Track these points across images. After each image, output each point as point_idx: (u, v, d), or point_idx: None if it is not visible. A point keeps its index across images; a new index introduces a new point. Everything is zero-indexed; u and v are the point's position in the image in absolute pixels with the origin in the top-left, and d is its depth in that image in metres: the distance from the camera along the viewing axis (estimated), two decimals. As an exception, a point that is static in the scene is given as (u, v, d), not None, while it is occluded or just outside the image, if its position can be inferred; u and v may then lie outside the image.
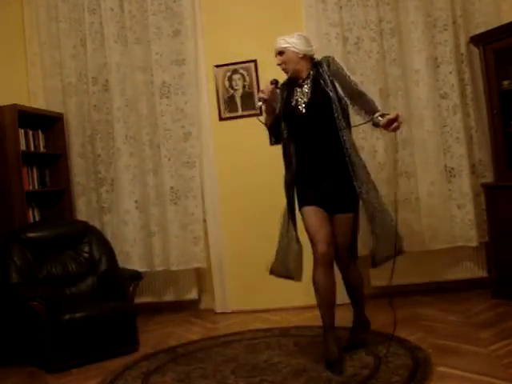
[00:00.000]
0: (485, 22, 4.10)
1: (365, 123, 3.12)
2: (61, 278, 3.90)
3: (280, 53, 3.13)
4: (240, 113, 4.53)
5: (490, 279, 4.06)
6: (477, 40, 4.01)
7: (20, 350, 3.60)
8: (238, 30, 4.52)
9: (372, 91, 4.21)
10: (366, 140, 4.27)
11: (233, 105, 4.54)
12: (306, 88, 3.07)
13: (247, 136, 4.49)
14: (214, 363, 3.18)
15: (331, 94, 2.97)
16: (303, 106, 3.04)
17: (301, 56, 3.07)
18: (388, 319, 3.74)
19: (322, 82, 3.02)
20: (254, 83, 4.50)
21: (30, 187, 4.30)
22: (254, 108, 4.50)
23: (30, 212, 4.32)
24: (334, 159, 3.00)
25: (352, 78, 3.07)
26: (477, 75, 4.15)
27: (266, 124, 3.16)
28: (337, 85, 3.00)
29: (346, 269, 3.15)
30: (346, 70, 3.09)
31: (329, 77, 3.02)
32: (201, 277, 4.67)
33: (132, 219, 4.53)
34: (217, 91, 4.55)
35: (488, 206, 4.00)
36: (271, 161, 4.45)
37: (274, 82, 3.06)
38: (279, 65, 3.12)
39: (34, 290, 3.53)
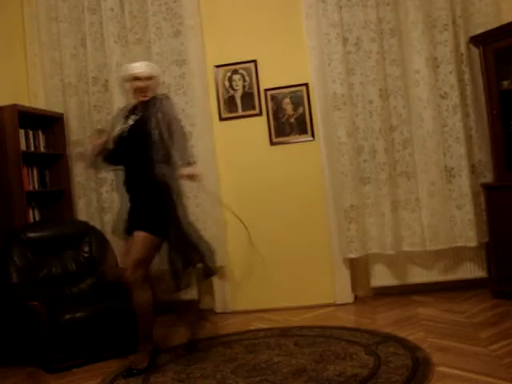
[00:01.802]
0: (485, 22, 4.10)
1: None
2: (61, 278, 3.90)
3: (149, 77, 3.25)
4: (240, 113, 4.53)
5: (490, 279, 4.06)
6: (477, 40, 4.01)
7: (20, 350, 3.60)
8: (238, 30, 4.52)
9: (372, 91, 4.24)
10: (366, 140, 4.28)
11: (233, 105, 4.55)
12: (137, 115, 3.24)
13: (247, 136, 4.49)
14: (214, 363, 3.18)
15: (148, 130, 3.15)
16: (126, 133, 3.24)
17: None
18: (388, 319, 3.75)
19: (151, 114, 3.18)
20: (254, 83, 4.50)
21: (30, 187, 4.30)
22: (253, 108, 4.51)
23: (30, 212, 4.31)
24: (138, 182, 3.22)
25: (178, 125, 3.26)
26: (477, 75, 4.15)
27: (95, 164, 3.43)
28: (162, 124, 3.16)
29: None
30: (176, 115, 3.32)
31: (158, 113, 3.17)
32: (200, 277, 4.65)
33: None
34: (217, 91, 4.55)
35: (488, 206, 4.00)
36: (271, 161, 4.49)
37: (99, 132, 3.42)
38: (140, 88, 3.23)
39: (34, 290, 3.54)
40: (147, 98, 3.25)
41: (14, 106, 4.08)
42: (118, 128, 3.27)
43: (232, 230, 4.47)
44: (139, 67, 3.25)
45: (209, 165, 4.50)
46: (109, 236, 4.43)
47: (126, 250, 3.21)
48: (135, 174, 3.23)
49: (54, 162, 4.59)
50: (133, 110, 3.29)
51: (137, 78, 3.22)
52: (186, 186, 4.47)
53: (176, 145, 3.17)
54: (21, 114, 4.13)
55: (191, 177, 3.18)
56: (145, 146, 3.15)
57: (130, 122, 3.24)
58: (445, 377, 2.61)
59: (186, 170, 3.14)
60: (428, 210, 4.20)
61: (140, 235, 3.14)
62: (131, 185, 3.25)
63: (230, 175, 4.49)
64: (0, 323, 3.65)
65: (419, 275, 4.32)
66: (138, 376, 3.07)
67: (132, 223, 3.21)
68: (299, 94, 4.44)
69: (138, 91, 3.24)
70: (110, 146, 3.28)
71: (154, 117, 3.15)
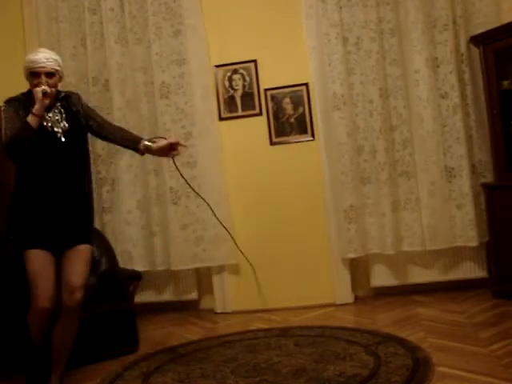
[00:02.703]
0: (485, 22, 4.10)
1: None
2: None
3: (49, 74, 2.73)
4: (240, 113, 4.53)
5: (490, 279, 4.06)
6: (477, 40, 4.01)
7: (20, 351, 3.59)
8: (238, 29, 4.52)
9: (372, 91, 4.24)
10: (366, 140, 4.28)
11: (233, 105, 4.54)
12: (56, 114, 2.81)
13: (247, 136, 4.49)
14: (214, 363, 3.18)
15: (84, 125, 2.89)
16: (61, 132, 2.78)
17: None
18: (388, 319, 3.75)
19: (75, 111, 2.87)
20: (254, 83, 4.50)
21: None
22: (253, 108, 4.51)
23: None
24: (77, 191, 2.84)
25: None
26: (477, 75, 4.15)
27: (31, 127, 2.63)
28: (83, 117, 2.89)
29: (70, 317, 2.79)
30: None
31: (80, 108, 2.90)
32: (201, 277, 4.67)
33: (134, 219, 4.54)
34: (217, 91, 4.55)
35: (488, 206, 4.00)
36: (271, 161, 4.49)
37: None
38: (41, 89, 2.64)
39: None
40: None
41: (13, 106, 4.07)
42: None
43: (233, 230, 4.47)
44: (37, 58, 2.72)
45: (208, 165, 4.50)
46: (109, 236, 4.46)
47: (45, 271, 2.69)
48: (71, 181, 2.81)
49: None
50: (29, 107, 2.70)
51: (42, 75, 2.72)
52: (186, 187, 4.50)
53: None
54: (21, 113, 4.12)
55: (175, 145, 2.87)
56: (82, 150, 2.91)
57: (53, 122, 2.79)
58: (445, 377, 2.61)
59: (172, 138, 2.89)
60: (428, 209, 4.19)
61: (87, 248, 2.82)
62: (61, 193, 2.76)
63: (230, 175, 4.49)
64: (0, 323, 3.64)
65: (419, 275, 4.32)
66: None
67: (66, 237, 2.77)
68: (299, 94, 4.44)
69: (41, 93, 2.66)
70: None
71: (78, 115, 2.88)
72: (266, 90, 4.47)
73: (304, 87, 4.43)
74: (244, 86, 4.53)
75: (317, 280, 4.38)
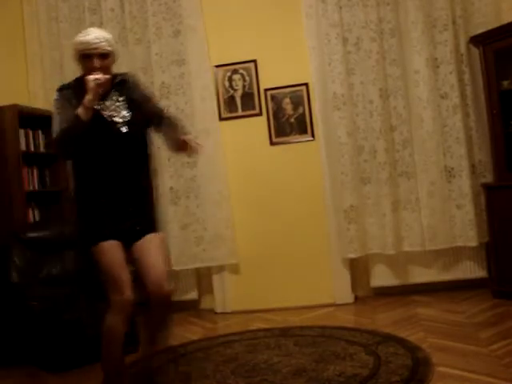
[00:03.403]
0: (485, 22, 4.10)
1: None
2: (61, 278, 3.89)
3: (102, 55, 2.50)
4: (240, 113, 4.53)
5: (490, 279, 4.06)
6: (477, 40, 4.01)
7: (20, 350, 3.59)
8: (238, 29, 4.52)
9: (372, 91, 4.24)
10: (366, 140, 4.28)
11: (233, 105, 4.54)
12: (114, 102, 2.56)
13: (247, 136, 4.49)
14: (214, 363, 3.18)
15: (150, 115, 2.64)
16: (121, 122, 2.53)
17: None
18: (388, 319, 3.75)
19: (135, 98, 2.61)
20: (254, 83, 4.50)
21: (30, 187, 4.30)
22: (253, 108, 4.51)
23: (30, 212, 4.32)
24: (139, 181, 2.63)
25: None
26: (477, 75, 4.15)
27: (83, 120, 2.42)
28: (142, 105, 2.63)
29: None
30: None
31: (138, 93, 2.64)
32: (201, 277, 4.67)
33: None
34: (217, 91, 4.55)
35: (488, 206, 4.00)
36: (271, 161, 4.49)
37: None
38: (96, 69, 2.46)
39: (34, 290, 3.54)
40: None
41: (14, 106, 4.08)
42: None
43: (233, 230, 4.48)
44: (90, 39, 2.50)
45: (208, 165, 4.50)
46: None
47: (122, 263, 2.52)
48: (132, 171, 2.60)
49: (53, 161, 4.58)
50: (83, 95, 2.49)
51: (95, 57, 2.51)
52: (186, 187, 4.51)
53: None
54: (21, 114, 4.13)
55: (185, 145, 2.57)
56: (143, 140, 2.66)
57: (112, 111, 2.56)
58: (445, 377, 2.61)
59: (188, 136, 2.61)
60: (428, 209, 4.20)
61: (158, 237, 2.62)
62: (122, 184, 2.57)
63: (230, 175, 4.49)
64: (0, 323, 3.64)
65: (419, 275, 4.32)
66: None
67: (132, 227, 2.57)
68: (299, 94, 4.44)
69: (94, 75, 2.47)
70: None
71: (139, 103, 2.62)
72: (265, 90, 4.47)
73: (304, 87, 4.43)
74: (244, 86, 4.53)
75: (317, 280, 4.38)
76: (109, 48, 2.51)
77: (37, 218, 4.39)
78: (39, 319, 3.38)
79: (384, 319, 3.78)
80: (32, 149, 4.36)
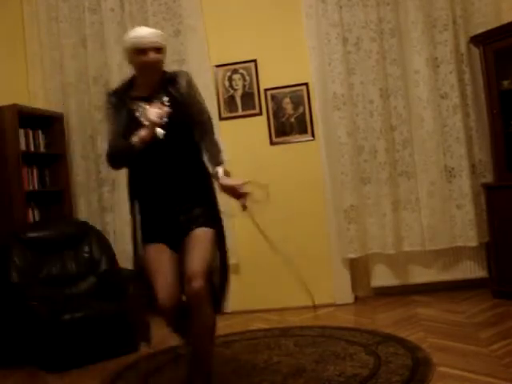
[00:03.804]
0: (485, 22, 4.10)
1: None
2: (61, 278, 3.89)
3: (158, 49, 2.48)
4: (240, 113, 4.53)
5: (490, 279, 4.06)
6: (477, 40, 4.01)
7: (20, 350, 3.59)
8: (238, 29, 4.52)
9: (372, 91, 4.24)
10: (366, 140, 4.28)
11: (233, 105, 4.54)
12: (157, 103, 2.49)
13: (247, 136, 4.49)
14: (214, 363, 3.17)
15: (195, 118, 2.56)
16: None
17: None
18: (388, 319, 3.75)
19: (180, 100, 2.52)
20: (254, 83, 4.50)
21: (30, 187, 4.30)
22: (253, 108, 4.50)
23: (30, 212, 4.32)
24: (186, 180, 2.55)
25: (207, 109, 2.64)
26: (477, 75, 4.15)
27: (135, 151, 2.45)
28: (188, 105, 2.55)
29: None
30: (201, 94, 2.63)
31: (186, 95, 2.55)
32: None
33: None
34: (217, 91, 4.55)
35: (488, 206, 4.00)
36: (271, 160, 4.49)
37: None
38: (151, 64, 2.47)
39: (34, 290, 3.54)
40: (154, 82, 2.58)
41: (14, 106, 4.08)
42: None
43: (233, 229, 4.47)
44: (144, 34, 2.47)
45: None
46: (110, 236, 4.46)
47: (170, 261, 2.48)
48: (176, 172, 2.52)
49: (53, 162, 4.58)
50: (127, 98, 2.57)
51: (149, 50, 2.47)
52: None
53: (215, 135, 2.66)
54: (21, 113, 4.13)
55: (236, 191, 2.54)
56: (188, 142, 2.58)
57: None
58: (445, 377, 2.61)
59: (227, 181, 2.58)
60: (428, 209, 4.20)
61: (204, 232, 2.49)
62: (167, 184, 2.52)
63: (230, 175, 4.48)
64: (0, 323, 3.64)
65: (419, 275, 4.32)
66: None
67: (179, 227, 2.50)
68: (299, 94, 4.44)
69: (148, 67, 2.51)
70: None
71: (185, 104, 2.55)
72: (265, 89, 4.47)
73: (304, 87, 4.43)
74: (244, 86, 4.53)
75: (317, 280, 4.36)
76: (163, 42, 2.51)
77: (37, 218, 4.39)
78: (39, 319, 3.37)
79: (384, 319, 3.78)
80: (32, 149, 4.36)
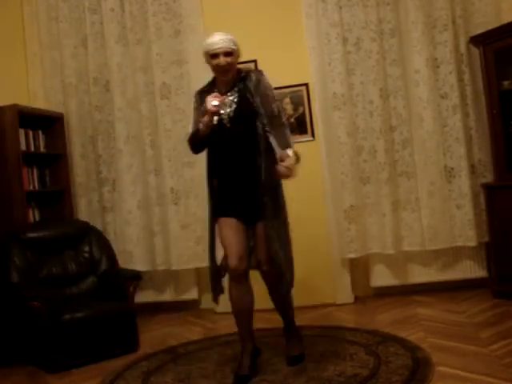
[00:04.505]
0: (485, 22, 4.10)
1: None
2: (61, 278, 3.90)
3: (228, 53, 2.88)
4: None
5: (490, 279, 4.06)
6: (477, 40, 4.01)
7: (20, 350, 3.60)
8: (238, 30, 4.47)
9: (372, 91, 4.24)
10: (366, 140, 4.28)
11: (233, 105, 4.54)
12: (228, 100, 2.91)
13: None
14: (215, 363, 3.18)
15: (259, 110, 2.90)
16: (226, 118, 2.89)
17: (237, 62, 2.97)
18: (388, 319, 3.75)
19: (248, 95, 2.91)
20: (254, 83, 4.49)
21: (30, 187, 4.30)
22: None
23: (30, 212, 4.32)
24: (252, 168, 2.90)
25: (276, 104, 3.00)
26: (477, 75, 4.15)
27: (201, 136, 2.92)
28: (259, 103, 2.91)
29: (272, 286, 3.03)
30: (272, 91, 3.02)
31: (257, 94, 2.91)
32: (201, 276, 4.66)
33: (135, 219, 4.54)
34: (217, 91, 4.54)
35: (488, 206, 4.00)
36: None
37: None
38: (222, 66, 2.87)
39: (34, 290, 3.54)
40: (228, 81, 2.96)
41: (14, 106, 4.08)
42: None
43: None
44: (216, 40, 2.89)
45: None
46: (110, 236, 4.46)
47: (234, 236, 2.89)
48: (244, 159, 2.91)
49: (53, 161, 4.59)
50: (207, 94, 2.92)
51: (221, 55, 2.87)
52: (187, 187, 4.51)
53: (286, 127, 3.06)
54: (21, 113, 4.13)
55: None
56: (252, 133, 2.91)
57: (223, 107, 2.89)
58: (445, 377, 2.61)
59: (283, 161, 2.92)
60: (428, 209, 4.20)
61: (274, 222, 2.92)
62: (236, 170, 2.91)
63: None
64: (0, 323, 3.65)
65: (419, 275, 4.32)
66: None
67: (248, 209, 2.90)
68: (299, 94, 4.44)
69: (221, 70, 2.90)
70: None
71: (253, 100, 2.92)
72: (266, 90, 4.47)
73: (304, 87, 4.43)
74: (244, 86, 4.52)
75: (317, 280, 4.37)
76: (233, 47, 2.91)
77: (37, 218, 4.40)
78: (39, 319, 3.37)
79: (384, 319, 3.78)
80: (32, 149, 4.36)
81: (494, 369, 2.62)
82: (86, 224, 4.28)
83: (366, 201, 4.29)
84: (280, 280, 2.97)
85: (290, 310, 3.18)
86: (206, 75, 4.46)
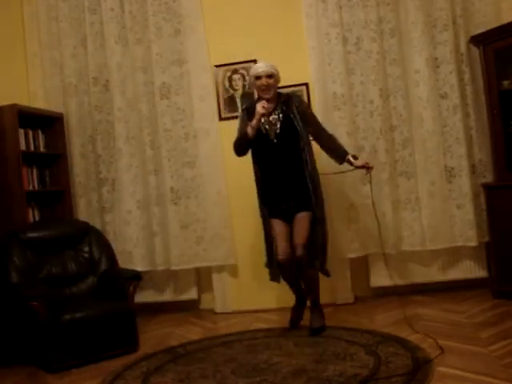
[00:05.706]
0: (485, 22, 4.10)
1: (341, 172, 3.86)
2: (61, 278, 3.90)
3: (270, 76, 3.57)
4: (240, 113, 4.52)
5: (490, 279, 4.06)
6: (477, 40, 4.01)
7: (20, 350, 3.60)
8: (238, 29, 4.51)
9: (372, 91, 4.23)
10: (366, 140, 4.28)
11: (233, 105, 4.54)
12: (274, 118, 3.60)
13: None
14: (214, 363, 3.18)
15: (299, 129, 3.56)
16: (273, 135, 3.57)
17: (277, 86, 3.65)
18: (388, 319, 3.75)
19: (291, 116, 3.57)
20: (254, 83, 4.50)
21: (30, 187, 4.30)
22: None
23: (30, 212, 4.31)
24: (294, 175, 3.59)
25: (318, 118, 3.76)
26: (477, 75, 4.15)
27: (249, 137, 3.56)
28: (300, 121, 3.58)
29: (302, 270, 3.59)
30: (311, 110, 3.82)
31: (298, 113, 3.58)
32: (201, 276, 4.67)
33: (134, 219, 4.54)
34: (217, 91, 4.55)
35: (488, 206, 4.00)
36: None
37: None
38: (264, 86, 3.56)
39: (34, 290, 3.54)
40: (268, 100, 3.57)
41: (13, 106, 4.08)
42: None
43: (232, 230, 4.48)
44: (261, 65, 3.60)
45: (208, 165, 4.50)
46: (110, 236, 4.46)
47: (283, 235, 3.58)
48: (287, 168, 3.58)
49: (53, 161, 4.59)
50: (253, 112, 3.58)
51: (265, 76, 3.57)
52: (187, 187, 4.51)
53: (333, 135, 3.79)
54: (21, 113, 4.13)
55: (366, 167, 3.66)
56: (295, 149, 3.59)
57: (269, 125, 3.59)
58: (445, 377, 2.61)
59: (358, 162, 3.66)
60: (428, 209, 4.20)
61: (304, 215, 3.57)
62: (280, 177, 3.58)
63: (230, 175, 4.49)
64: (0, 323, 3.65)
65: (419, 275, 4.32)
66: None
67: (290, 208, 3.60)
68: (299, 94, 4.43)
69: (261, 89, 3.59)
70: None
71: (295, 120, 3.59)
72: (266, 89, 4.47)
73: (304, 87, 4.43)
74: (244, 86, 4.53)
75: (317, 280, 4.36)
76: (273, 71, 3.59)
77: (37, 218, 4.39)
78: (39, 319, 3.37)
79: (384, 319, 3.78)
80: (32, 149, 4.35)
81: (494, 369, 2.62)
82: (86, 224, 4.28)
83: (366, 201, 4.28)
84: (311, 264, 3.58)
85: (316, 290, 3.70)
86: (206, 75, 4.53)
